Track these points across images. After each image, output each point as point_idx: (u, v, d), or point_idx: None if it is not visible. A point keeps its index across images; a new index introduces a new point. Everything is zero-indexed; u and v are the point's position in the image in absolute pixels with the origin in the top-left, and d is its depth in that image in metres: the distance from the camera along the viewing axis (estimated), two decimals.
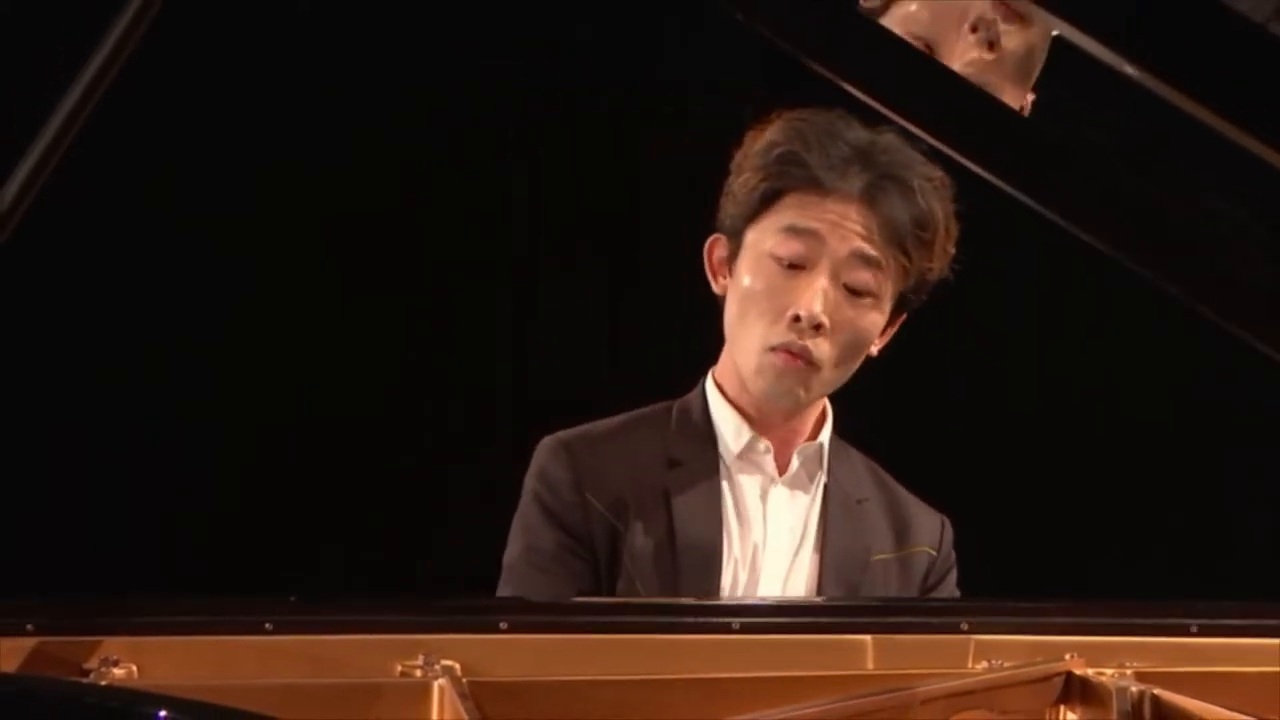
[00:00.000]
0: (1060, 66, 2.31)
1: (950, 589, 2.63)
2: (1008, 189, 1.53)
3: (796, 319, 2.45)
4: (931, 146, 1.94)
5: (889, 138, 2.48)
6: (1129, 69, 1.52)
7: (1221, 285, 1.51)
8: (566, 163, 4.02)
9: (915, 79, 1.64)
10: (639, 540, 2.49)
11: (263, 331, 3.94)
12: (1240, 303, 1.50)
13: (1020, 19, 2.23)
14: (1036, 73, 2.26)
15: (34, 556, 3.35)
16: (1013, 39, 2.24)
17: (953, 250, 2.54)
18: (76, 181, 2.08)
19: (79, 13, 2.01)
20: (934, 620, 2.22)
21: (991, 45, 2.23)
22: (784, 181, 2.49)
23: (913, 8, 2.26)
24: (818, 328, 2.45)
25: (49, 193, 2.03)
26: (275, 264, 3.96)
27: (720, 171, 2.62)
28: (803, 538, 2.55)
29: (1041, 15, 2.24)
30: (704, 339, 2.67)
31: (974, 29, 2.24)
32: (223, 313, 3.93)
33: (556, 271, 4.14)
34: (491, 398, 4.13)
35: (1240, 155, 1.40)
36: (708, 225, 2.63)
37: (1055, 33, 2.27)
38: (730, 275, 2.55)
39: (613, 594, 2.48)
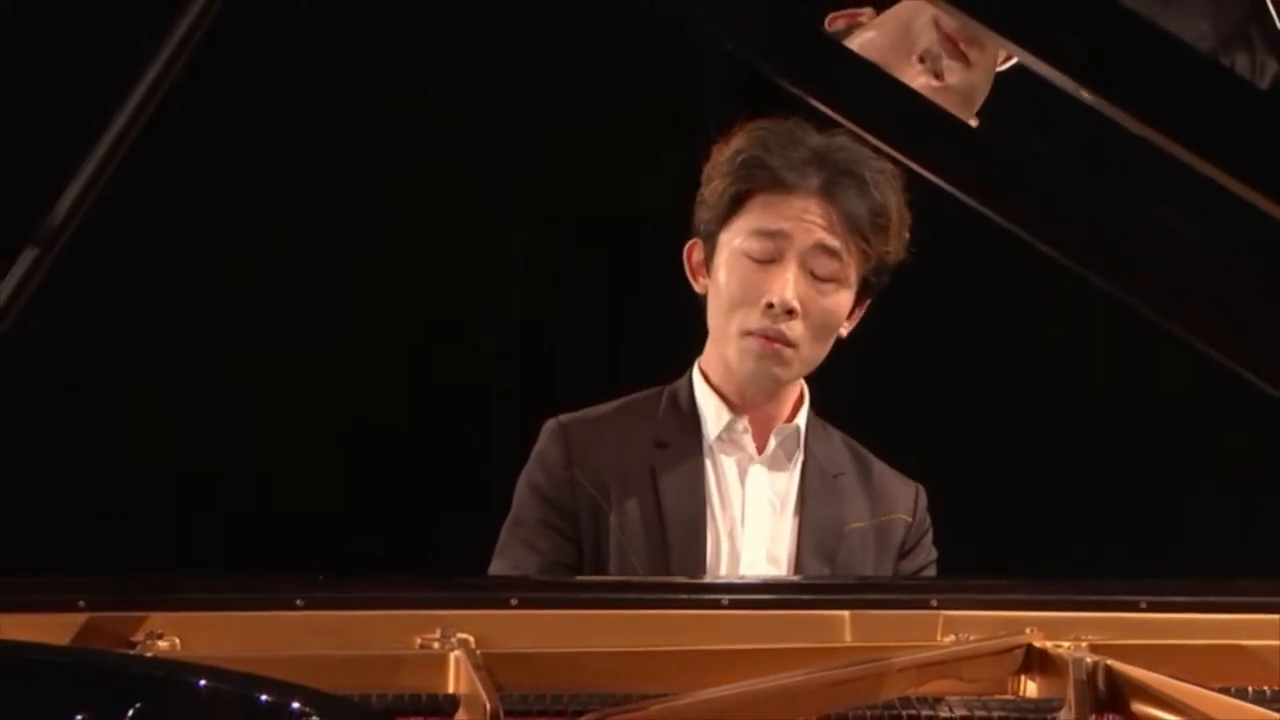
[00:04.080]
0: (1010, 84, 2.44)
1: (927, 551, 2.75)
2: (962, 197, 1.58)
3: (770, 306, 2.61)
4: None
5: (842, 139, 2.61)
6: (1083, 93, 1.62)
7: (1165, 288, 1.56)
8: (567, 163, 4.04)
9: (879, 96, 1.69)
10: (629, 515, 2.62)
11: (278, 333, 3.97)
12: (1188, 305, 1.55)
13: (964, 59, 2.36)
14: (979, 103, 2.40)
15: (85, 539, 3.43)
16: (956, 74, 2.35)
17: (907, 235, 2.68)
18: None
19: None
20: (906, 597, 2.29)
21: (938, 75, 2.37)
22: (750, 184, 2.64)
23: (870, 34, 2.38)
24: (790, 312, 2.60)
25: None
26: (288, 267, 3.99)
27: None
28: (781, 511, 2.68)
29: (986, 57, 2.38)
30: (701, 335, 2.77)
31: (921, 59, 2.36)
32: (240, 314, 3.96)
33: (563, 270, 4.18)
34: (497, 397, 4.16)
35: (1182, 169, 1.43)
36: None
37: (1005, 66, 2.41)
38: (709, 274, 2.69)
39: (599, 569, 2.59)
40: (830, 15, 2.44)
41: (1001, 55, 2.38)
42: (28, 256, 2.08)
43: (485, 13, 3.99)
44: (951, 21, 2.33)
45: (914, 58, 2.36)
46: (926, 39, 2.36)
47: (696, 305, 2.76)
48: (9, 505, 3.44)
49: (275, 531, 3.75)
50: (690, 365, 2.77)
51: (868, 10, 2.46)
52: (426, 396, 4.10)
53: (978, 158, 1.68)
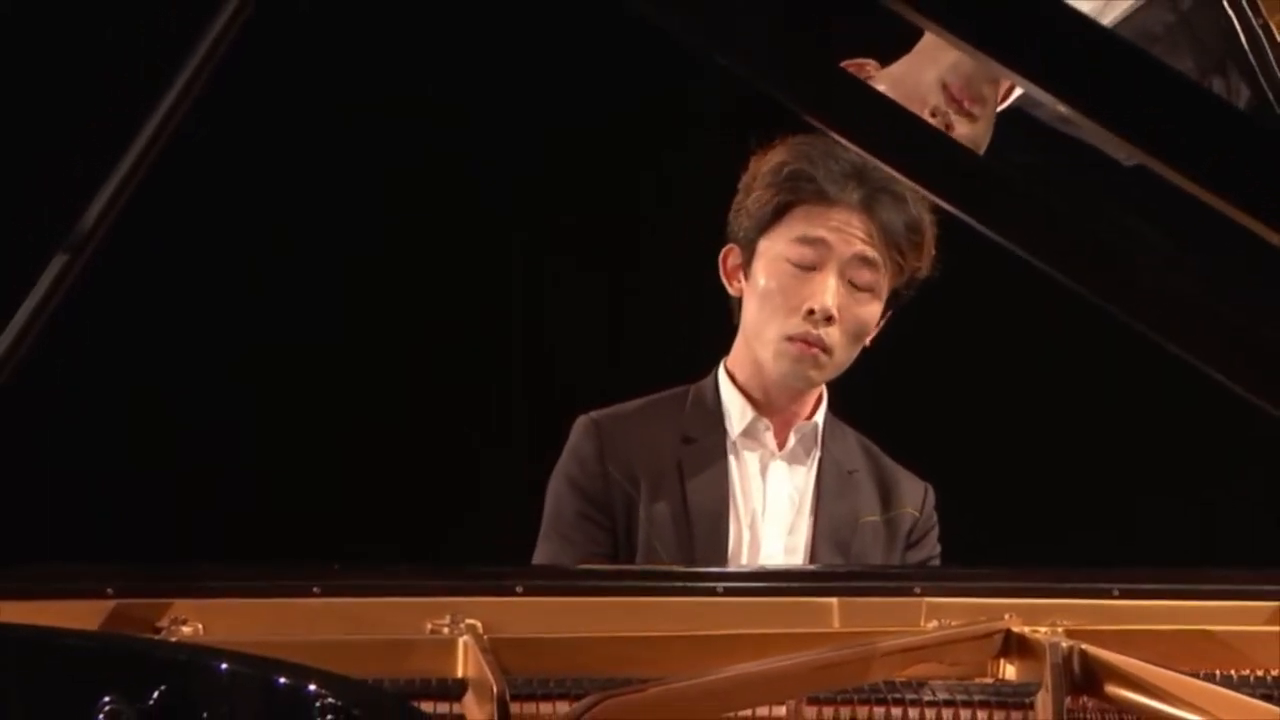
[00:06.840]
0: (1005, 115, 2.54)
1: (932, 544, 2.84)
2: (965, 216, 1.62)
3: (811, 312, 2.70)
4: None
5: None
6: (1061, 108, 1.68)
7: (1137, 294, 1.57)
8: (567, 163, 4.05)
9: (876, 116, 1.70)
10: (657, 507, 2.71)
11: (278, 333, 3.98)
12: (1157, 310, 1.56)
13: (970, 116, 2.48)
14: (984, 148, 2.47)
15: (85, 539, 3.45)
16: (963, 127, 2.48)
17: (934, 252, 2.77)
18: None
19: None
20: (891, 585, 2.36)
21: (948, 128, 2.46)
22: (794, 195, 2.73)
23: (881, 88, 2.48)
24: (829, 319, 2.70)
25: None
26: (288, 267, 4.00)
27: (721, 181, 2.82)
28: (800, 505, 2.77)
29: (988, 109, 2.49)
30: (704, 337, 2.86)
31: (933, 114, 2.47)
32: (240, 314, 3.97)
33: (573, 273, 4.19)
34: (496, 397, 4.20)
35: (1156, 182, 1.45)
36: (710, 232, 2.82)
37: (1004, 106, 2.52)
38: (746, 279, 2.78)
39: (631, 557, 2.67)
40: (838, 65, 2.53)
41: (1001, 90, 2.49)
42: (28, 307, 2.16)
43: (485, 13, 4.00)
44: (956, 81, 2.45)
45: (926, 112, 2.46)
46: (934, 100, 2.47)
47: (695, 305, 2.84)
48: (9, 505, 3.45)
49: (275, 531, 3.75)
50: (690, 362, 2.85)
51: (872, 61, 2.55)
52: (426, 396, 4.11)
53: (972, 176, 1.71)
